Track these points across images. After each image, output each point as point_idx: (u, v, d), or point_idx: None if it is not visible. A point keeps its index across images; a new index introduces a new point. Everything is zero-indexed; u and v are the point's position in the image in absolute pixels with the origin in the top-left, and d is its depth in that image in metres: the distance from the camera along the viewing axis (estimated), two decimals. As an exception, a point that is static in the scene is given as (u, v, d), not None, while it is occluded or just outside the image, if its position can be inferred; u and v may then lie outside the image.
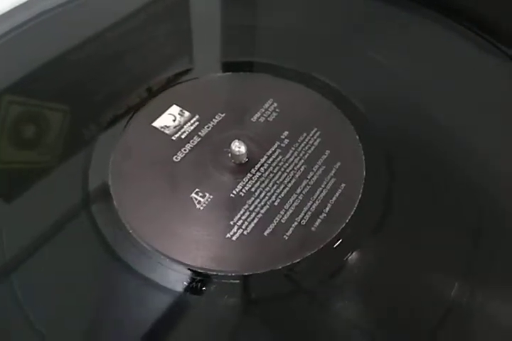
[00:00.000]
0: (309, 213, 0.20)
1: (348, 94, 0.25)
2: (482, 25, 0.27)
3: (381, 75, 0.26)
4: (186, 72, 0.26)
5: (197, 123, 0.24)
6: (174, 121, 0.24)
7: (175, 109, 0.24)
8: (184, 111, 0.24)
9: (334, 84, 0.25)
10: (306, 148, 0.23)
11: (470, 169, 0.22)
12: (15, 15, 0.29)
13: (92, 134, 0.24)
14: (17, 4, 0.29)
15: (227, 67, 0.27)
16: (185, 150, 0.23)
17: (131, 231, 0.20)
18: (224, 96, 0.25)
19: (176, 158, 0.22)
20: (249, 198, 0.21)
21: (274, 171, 0.22)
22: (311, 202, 0.21)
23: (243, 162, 0.22)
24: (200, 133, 0.23)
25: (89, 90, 0.26)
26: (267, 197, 0.21)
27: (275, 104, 0.24)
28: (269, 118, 0.24)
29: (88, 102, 0.25)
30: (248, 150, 0.22)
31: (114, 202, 0.21)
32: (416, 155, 0.23)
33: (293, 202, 0.21)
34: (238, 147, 0.21)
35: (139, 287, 0.19)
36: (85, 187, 0.22)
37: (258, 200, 0.21)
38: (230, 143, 0.21)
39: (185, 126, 0.23)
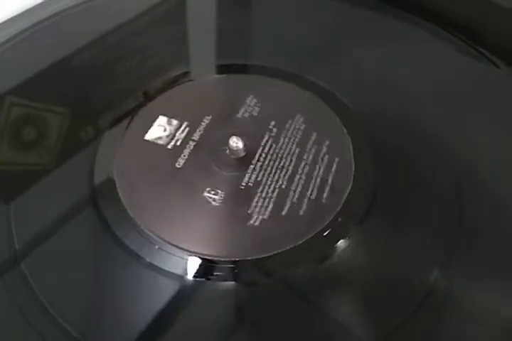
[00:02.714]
0: (316, 188, 0.22)
1: (334, 89, 0.27)
2: (466, 30, 0.30)
3: (362, 68, 0.28)
4: (184, 74, 0.28)
5: (187, 129, 0.25)
6: (165, 131, 0.25)
7: (162, 120, 0.26)
8: (172, 120, 0.25)
9: (319, 82, 0.27)
10: (295, 132, 0.25)
11: (454, 155, 0.24)
12: (19, 21, 0.31)
13: (90, 137, 0.25)
14: (20, 11, 0.31)
15: (220, 69, 0.29)
16: (184, 156, 0.24)
17: (150, 234, 0.21)
18: (208, 99, 0.27)
19: (178, 165, 0.24)
20: (258, 187, 0.23)
21: (273, 158, 0.24)
22: (314, 178, 0.23)
23: (241, 156, 0.24)
24: (193, 138, 0.25)
25: (89, 93, 0.27)
26: (274, 182, 0.23)
27: (255, 100, 0.26)
28: (253, 113, 0.26)
29: (87, 105, 0.27)
30: (243, 144, 0.23)
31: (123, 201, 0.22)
32: (394, 132, 0.25)
33: (298, 182, 0.23)
34: (236, 142, 0.23)
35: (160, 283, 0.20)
36: (91, 180, 0.23)
37: (267, 187, 0.23)
38: (227, 140, 0.23)
39: (177, 134, 0.25)
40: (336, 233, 0.21)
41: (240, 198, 0.22)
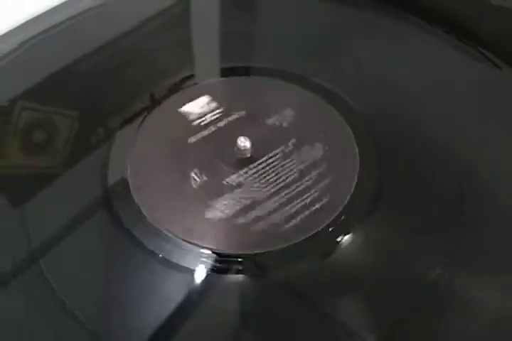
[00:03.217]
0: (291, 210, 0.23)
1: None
2: (466, 31, 0.30)
3: (374, 71, 0.29)
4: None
5: (219, 115, 0.26)
6: (201, 108, 0.27)
7: (205, 99, 0.27)
8: (212, 102, 0.27)
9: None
10: (306, 158, 0.25)
11: (454, 155, 0.25)
12: (29, 28, 0.32)
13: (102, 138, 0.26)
14: (30, 18, 0.32)
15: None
16: (200, 135, 0.25)
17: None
18: (249, 97, 0.28)
19: (190, 140, 0.25)
20: (237, 188, 0.23)
21: (269, 171, 0.24)
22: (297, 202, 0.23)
23: (245, 157, 0.24)
24: (218, 125, 0.26)
25: (99, 96, 0.28)
26: (253, 192, 0.23)
27: (292, 112, 0.27)
28: (283, 124, 0.26)
29: (97, 108, 0.28)
30: (253, 147, 0.24)
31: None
32: (397, 132, 0.26)
33: (277, 201, 0.23)
34: (243, 142, 0.24)
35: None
36: (104, 181, 0.24)
37: (244, 193, 0.23)
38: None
39: (207, 116, 0.26)
40: (339, 230, 0.22)
41: (214, 190, 0.23)
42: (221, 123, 0.26)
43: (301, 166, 0.24)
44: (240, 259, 0.21)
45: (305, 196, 0.23)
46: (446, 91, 0.28)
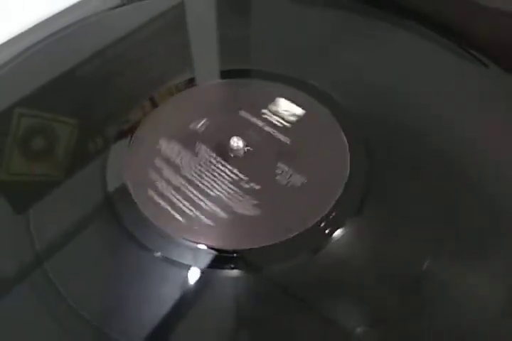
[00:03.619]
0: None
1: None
2: (452, 30, 0.31)
3: (364, 71, 0.30)
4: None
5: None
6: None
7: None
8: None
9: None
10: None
11: (443, 150, 0.26)
12: (27, 37, 0.33)
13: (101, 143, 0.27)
14: (28, 27, 0.34)
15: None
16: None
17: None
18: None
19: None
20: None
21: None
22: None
23: (239, 156, 0.25)
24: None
25: (99, 101, 0.29)
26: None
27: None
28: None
29: (96, 113, 0.29)
30: (247, 147, 0.25)
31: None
32: (387, 130, 0.27)
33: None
34: (236, 142, 0.24)
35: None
36: (104, 186, 0.25)
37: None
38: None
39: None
40: (332, 224, 0.23)
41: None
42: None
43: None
44: (234, 255, 0.22)
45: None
46: (436, 89, 0.29)
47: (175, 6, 0.36)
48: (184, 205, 0.24)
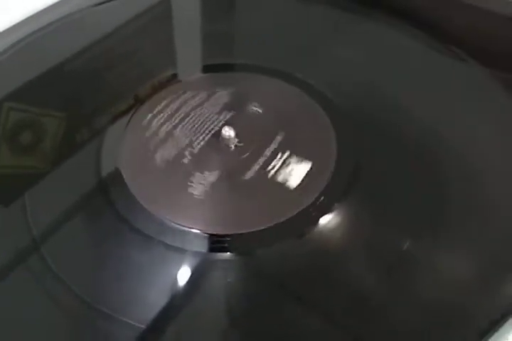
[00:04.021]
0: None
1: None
2: (434, 28, 0.32)
3: (339, 62, 0.31)
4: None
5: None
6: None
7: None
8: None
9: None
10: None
11: (426, 139, 0.27)
12: (16, 32, 0.33)
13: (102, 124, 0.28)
14: (17, 22, 0.34)
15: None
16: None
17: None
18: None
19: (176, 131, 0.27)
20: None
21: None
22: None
23: (231, 145, 0.26)
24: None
25: (85, 96, 0.30)
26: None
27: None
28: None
29: (85, 107, 0.29)
30: (238, 136, 0.26)
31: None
32: (372, 119, 0.28)
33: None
34: (228, 131, 0.25)
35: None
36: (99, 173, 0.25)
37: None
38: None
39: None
40: (319, 210, 0.24)
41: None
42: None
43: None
44: (226, 239, 0.23)
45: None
46: (418, 82, 0.30)
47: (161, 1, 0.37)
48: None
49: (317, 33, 0.33)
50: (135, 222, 0.23)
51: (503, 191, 0.25)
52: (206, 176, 0.25)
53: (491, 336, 0.19)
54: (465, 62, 0.31)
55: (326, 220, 0.23)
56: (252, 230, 0.23)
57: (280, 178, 0.25)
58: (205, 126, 0.27)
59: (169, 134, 0.27)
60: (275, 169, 0.25)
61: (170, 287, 0.22)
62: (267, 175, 0.25)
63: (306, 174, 0.25)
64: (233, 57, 0.33)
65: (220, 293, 0.22)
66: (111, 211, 0.23)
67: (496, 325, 0.20)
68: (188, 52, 0.34)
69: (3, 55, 0.32)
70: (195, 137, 0.26)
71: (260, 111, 0.28)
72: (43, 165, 0.27)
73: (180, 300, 0.21)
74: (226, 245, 0.23)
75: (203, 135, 0.27)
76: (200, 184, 0.24)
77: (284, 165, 0.25)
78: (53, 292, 0.21)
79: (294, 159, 0.25)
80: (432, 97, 0.29)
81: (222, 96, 0.29)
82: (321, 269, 0.22)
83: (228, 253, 0.22)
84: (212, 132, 0.26)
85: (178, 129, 0.27)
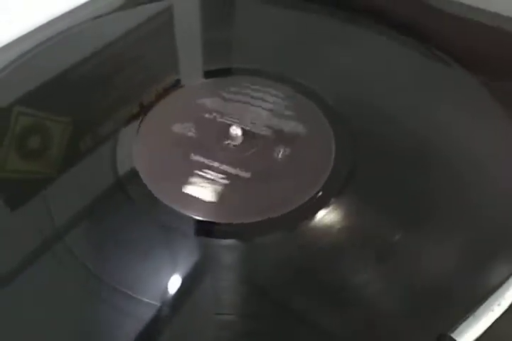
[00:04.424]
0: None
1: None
2: (421, 34, 0.35)
3: (334, 67, 0.33)
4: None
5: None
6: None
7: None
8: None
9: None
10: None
11: (416, 138, 0.29)
12: (27, 40, 0.36)
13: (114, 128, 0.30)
14: (28, 30, 0.36)
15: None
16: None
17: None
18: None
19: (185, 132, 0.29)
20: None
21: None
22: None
23: (236, 143, 0.28)
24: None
25: (92, 102, 0.32)
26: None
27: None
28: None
29: (93, 113, 0.31)
30: (243, 135, 0.28)
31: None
32: (368, 122, 0.30)
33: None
34: (235, 130, 0.27)
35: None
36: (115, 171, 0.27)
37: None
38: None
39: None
40: (316, 204, 0.26)
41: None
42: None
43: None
44: (226, 228, 0.25)
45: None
46: (407, 85, 0.32)
47: (159, 12, 0.39)
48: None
49: (314, 40, 0.36)
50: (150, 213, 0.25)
51: (486, 190, 0.27)
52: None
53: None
54: (450, 67, 0.33)
55: (321, 215, 0.25)
56: (255, 220, 0.25)
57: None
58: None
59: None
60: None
61: (175, 269, 0.24)
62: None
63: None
64: (234, 63, 0.35)
65: (221, 276, 0.24)
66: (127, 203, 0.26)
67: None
68: (190, 58, 0.36)
69: (16, 63, 0.34)
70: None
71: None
72: (52, 169, 0.28)
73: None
74: (230, 233, 0.25)
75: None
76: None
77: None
78: (75, 274, 0.23)
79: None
80: (422, 101, 0.31)
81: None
82: (312, 264, 0.24)
83: (231, 240, 0.25)
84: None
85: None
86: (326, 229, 0.25)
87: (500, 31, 0.35)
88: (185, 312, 0.22)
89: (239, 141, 0.28)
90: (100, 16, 0.39)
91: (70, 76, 0.33)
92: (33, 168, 0.28)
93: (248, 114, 0.30)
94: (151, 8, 0.39)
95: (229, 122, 0.28)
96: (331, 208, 0.25)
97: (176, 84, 0.33)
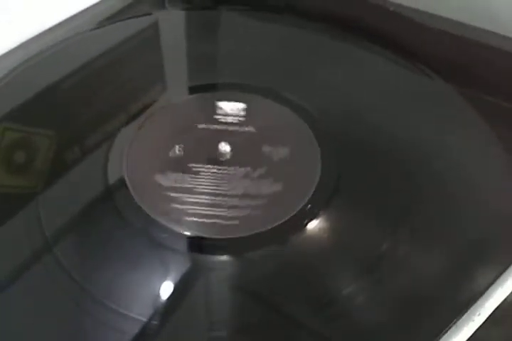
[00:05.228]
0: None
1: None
2: (403, 49, 0.36)
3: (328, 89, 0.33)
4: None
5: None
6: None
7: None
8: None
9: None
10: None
11: (399, 150, 0.30)
12: (14, 56, 0.36)
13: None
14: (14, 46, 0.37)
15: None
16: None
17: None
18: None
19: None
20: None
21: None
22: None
23: (224, 159, 0.28)
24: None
25: (78, 116, 0.32)
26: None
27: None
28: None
29: (79, 127, 0.31)
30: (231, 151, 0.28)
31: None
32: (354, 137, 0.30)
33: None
34: (224, 147, 0.28)
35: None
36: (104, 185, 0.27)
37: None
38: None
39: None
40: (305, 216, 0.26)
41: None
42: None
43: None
44: (215, 243, 0.25)
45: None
46: (391, 97, 0.33)
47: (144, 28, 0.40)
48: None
49: (299, 54, 0.36)
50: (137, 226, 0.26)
51: (468, 197, 0.28)
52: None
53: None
54: (431, 79, 0.34)
55: (310, 227, 0.26)
56: (247, 234, 0.25)
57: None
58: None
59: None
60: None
61: (164, 284, 0.24)
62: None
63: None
64: (219, 78, 0.35)
65: (215, 292, 0.24)
66: (116, 217, 0.26)
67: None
68: (176, 74, 0.36)
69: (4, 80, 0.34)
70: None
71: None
72: (39, 184, 0.28)
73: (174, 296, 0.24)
74: (222, 248, 0.25)
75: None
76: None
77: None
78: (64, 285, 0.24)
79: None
80: (406, 113, 0.32)
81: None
82: (302, 277, 0.25)
83: (225, 255, 0.25)
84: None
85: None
86: (314, 242, 0.26)
87: (484, 46, 0.36)
88: (171, 328, 0.23)
89: (227, 157, 0.28)
90: (85, 32, 0.39)
91: (56, 92, 0.33)
92: (20, 182, 0.29)
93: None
94: (137, 23, 0.39)
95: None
96: (319, 220, 0.26)
97: (162, 99, 0.33)
